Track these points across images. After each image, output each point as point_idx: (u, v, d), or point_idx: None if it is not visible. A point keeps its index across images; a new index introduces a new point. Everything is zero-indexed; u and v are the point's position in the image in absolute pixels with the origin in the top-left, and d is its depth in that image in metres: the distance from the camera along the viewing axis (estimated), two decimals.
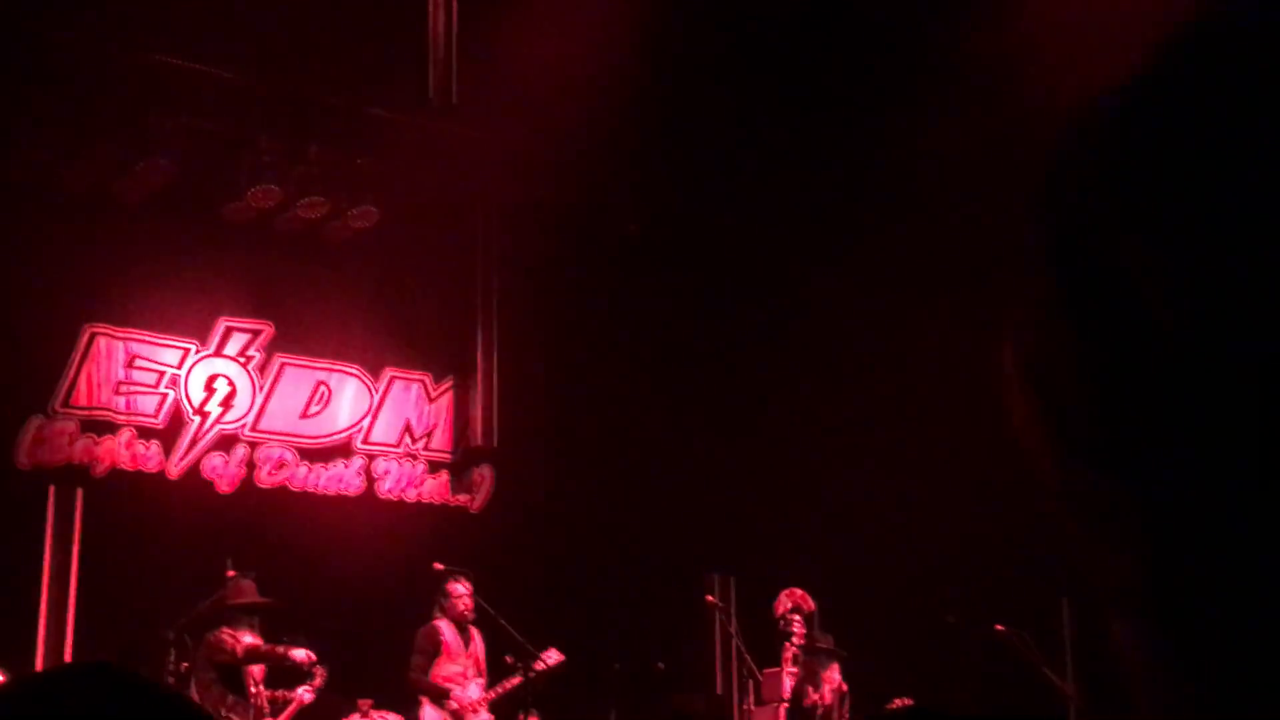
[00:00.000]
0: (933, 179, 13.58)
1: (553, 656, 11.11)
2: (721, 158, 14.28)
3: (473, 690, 10.93)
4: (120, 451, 12.66)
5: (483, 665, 11.05)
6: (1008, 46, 13.02)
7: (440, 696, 10.94)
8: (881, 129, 13.66)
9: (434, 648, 11.02)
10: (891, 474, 13.95)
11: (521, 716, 10.89)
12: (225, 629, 10.04)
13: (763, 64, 13.95)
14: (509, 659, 11.06)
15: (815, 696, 10.82)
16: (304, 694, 10.48)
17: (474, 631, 11.04)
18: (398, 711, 11.48)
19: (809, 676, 10.91)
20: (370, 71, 13.02)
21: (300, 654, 10.23)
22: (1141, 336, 0.73)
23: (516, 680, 11.04)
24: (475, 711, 10.95)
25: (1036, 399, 0.80)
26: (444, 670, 10.98)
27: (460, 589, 11.07)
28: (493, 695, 11.02)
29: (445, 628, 11.03)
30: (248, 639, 10.11)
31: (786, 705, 11.25)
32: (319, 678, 10.54)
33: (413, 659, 11.18)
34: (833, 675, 10.94)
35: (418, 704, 11.15)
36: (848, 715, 10.93)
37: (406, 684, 11.24)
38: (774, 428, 14.32)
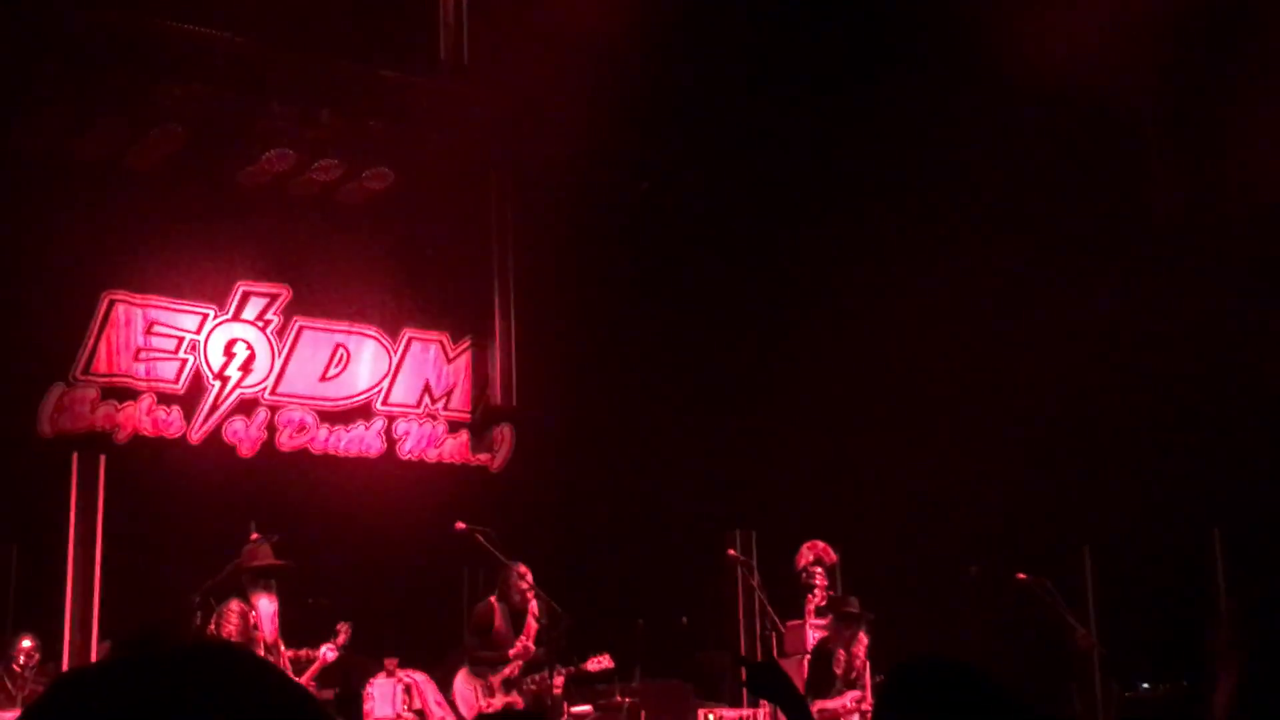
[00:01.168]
0: (950, 144, 13.55)
1: (603, 661, 11.09)
2: (737, 114, 14.25)
3: (508, 670, 10.91)
4: (141, 418, 12.73)
5: (533, 650, 10.97)
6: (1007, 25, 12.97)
7: (481, 671, 10.89)
8: (902, 92, 13.63)
9: (486, 629, 11.01)
10: (911, 426, 13.96)
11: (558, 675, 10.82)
12: (235, 600, 10.07)
13: (775, 22, 13.90)
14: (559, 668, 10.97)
15: (845, 663, 10.76)
16: (327, 652, 10.55)
17: (533, 608, 10.99)
18: (424, 669, 11.55)
19: (840, 642, 10.80)
20: (381, 34, 13.00)
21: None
22: None
23: (560, 675, 11.00)
24: (508, 691, 10.93)
25: None
26: (496, 652, 11.00)
27: (522, 578, 11.01)
28: (533, 683, 10.95)
29: (497, 609, 11.01)
30: (264, 602, 10.13)
31: (809, 658, 11.25)
32: (343, 635, 10.60)
33: (466, 640, 11.22)
34: (861, 637, 10.89)
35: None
36: (869, 673, 10.91)
37: (460, 659, 11.21)
38: (793, 382, 14.32)
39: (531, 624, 10.93)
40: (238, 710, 1.45)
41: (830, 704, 10.54)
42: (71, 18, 11.70)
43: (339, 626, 10.62)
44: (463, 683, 11.06)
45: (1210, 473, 13.44)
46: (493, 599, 11.10)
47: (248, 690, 1.47)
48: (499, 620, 10.98)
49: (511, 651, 10.88)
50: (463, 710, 10.97)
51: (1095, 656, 12.50)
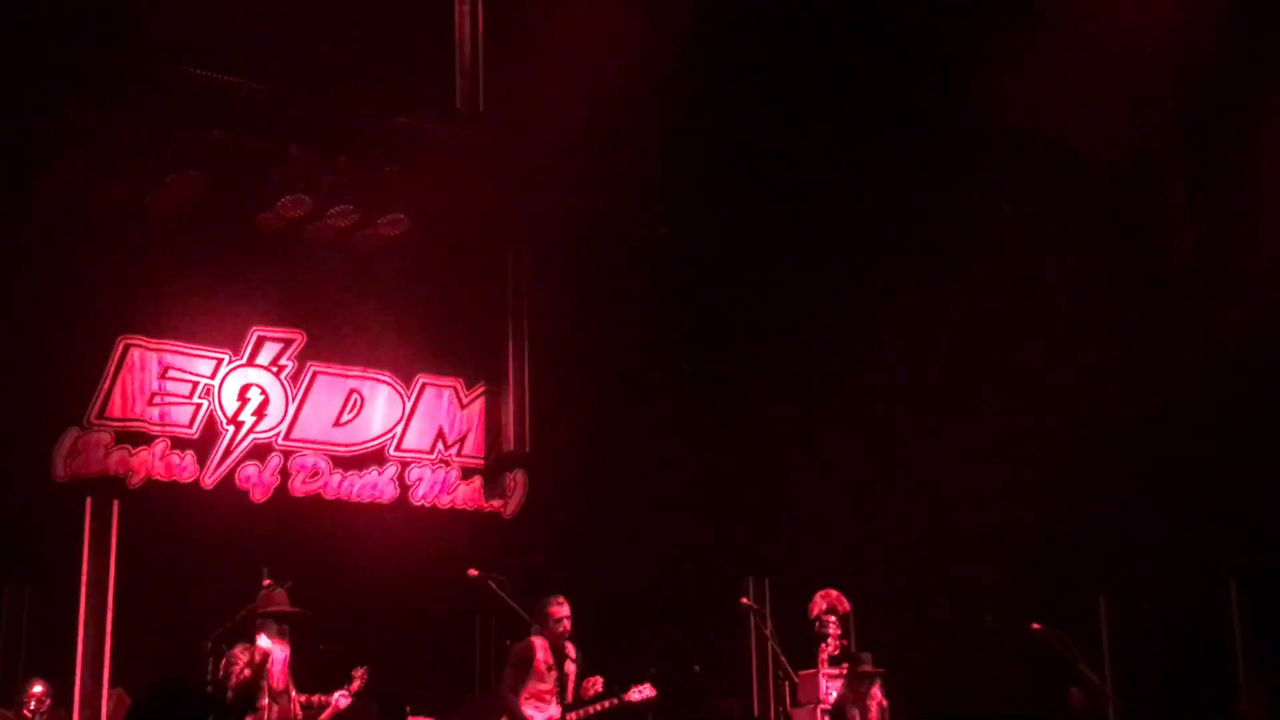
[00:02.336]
0: (969, 183, 13.57)
1: (644, 691, 11.01)
2: (751, 161, 14.28)
3: (553, 709, 10.77)
4: (155, 462, 12.74)
5: (571, 684, 10.86)
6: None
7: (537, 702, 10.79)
8: (914, 124, 13.66)
9: (527, 665, 10.87)
10: (926, 475, 13.92)
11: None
12: (240, 645, 10.00)
13: (790, 66, 13.95)
14: (595, 682, 10.89)
15: (859, 718, 10.75)
16: (339, 699, 10.48)
17: (569, 650, 10.89)
18: (435, 716, 11.48)
19: (854, 700, 10.81)
20: (398, 81, 13.06)
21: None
22: None
23: (602, 706, 10.92)
24: None
25: None
26: (533, 688, 10.87)
27: (559, 604, 10.92)
28: (575, 716, 10.87)
29: (539, 646, 10.87)
30: (273, 647, 10.07)
31: (824, 707, 11.20)
32: (358, 681, 10.54)
33: (505, 673, 11.01)
34: (875, 693, 10.88)
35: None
36: None
37: (495, 697, 11.06)
38: (808, 431, 14.29)
39: (570, 666, 10.78)
40: None
41: None
42: (92, 64, 11.78)
43: (355, 672, 10.55)
44: None
45: (1226, 523, 13.39)
46: (534, 638, 10.94)
47: None
48: (539, 655, 10.83)
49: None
50: None
51: (1111, 709, 12.42)
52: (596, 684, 10.86)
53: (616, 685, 10.91)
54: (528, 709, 10.65)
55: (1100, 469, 13.87)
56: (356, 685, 10.55)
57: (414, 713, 11.24)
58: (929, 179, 13.76)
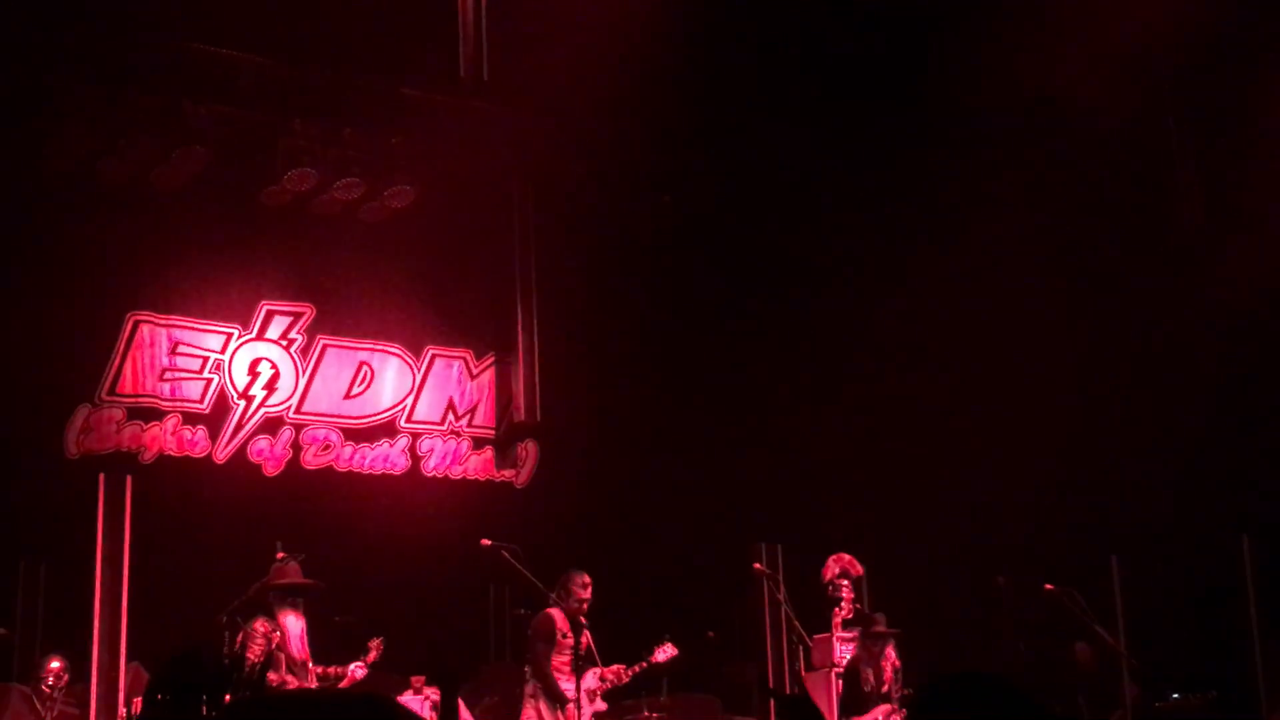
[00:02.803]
0: (972, 154, 13.53)
1: (668, 650, 11.11)
2: (760, 125, 14.24)
3: (589, 680, 10.87)
4: (167, 438, 12.77)
5: (595, 655, 10.97)
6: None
7: (558, 698, 10.86)
8: (917, 92, 13.61)
9: (551, 636, 10.96)
10: (938, 438, 13.92)
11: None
12: (261, 620, 10.04)
13: (797, 32, 13.90)
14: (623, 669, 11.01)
15: (874, 681, 10.83)
16: (356, 670, 10.53)
17: (584, 622, 10.97)
18: (449, 685, 11.52)
19: (868, 660, 10.89)
20: (401, 52, 13.03)
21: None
22: None
23: (633, 670, 11.03)
24: (592, 700, 10.91)
25: None
26: (555, 660, 10.96)
27: (584, 584, 11.01)
28: (606, 686, 10.98)
29: (559, 617, 10.97)
30: (291, 620, 10.11)
31: (839, 670, 11.25)
32: (374, 652, 10.59)
33: (536, 646, 11.05)
34: (889, 653, 10.94)
35: (531, 690, 11.02)
36: (901, 687, 10.93)
37: (532, 668, 11.13)
38: (820, 396, 14.29)
39: (587, 635, 10.86)
40: None
41: (863, 719, 10.70)
42: (96, 39, 11.76)
43: (371, 643, 10.60)
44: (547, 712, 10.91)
45: (1238, 481, 13.38)
46: (552, 609, 11.01)
47: None
48: (564, 625, 10.93)
49: (594, 687, 10.82)
50: None
51: (1124, 667, 12.45)
52: (668, 649, 11.03)
53: (642, 650, 11.00)
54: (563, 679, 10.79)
55: (1112, 428, 13.87)
56: (373, 656, 10.60)
57: (429, 682, 11.28)
58: (935, 147, 13.72)
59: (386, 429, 13.86)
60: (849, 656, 11.24)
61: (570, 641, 10.82)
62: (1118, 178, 14.03)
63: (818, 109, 14.12)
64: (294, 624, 10.13)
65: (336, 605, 10.95)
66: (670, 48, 13.00)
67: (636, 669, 11.12)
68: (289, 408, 13.40)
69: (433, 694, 11.22)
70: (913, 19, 13.66)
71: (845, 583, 11.68)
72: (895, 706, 10.78)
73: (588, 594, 10.97)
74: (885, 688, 10.84)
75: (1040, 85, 13.08)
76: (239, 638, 9.99)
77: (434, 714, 11.20)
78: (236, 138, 12.56)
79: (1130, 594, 13.62)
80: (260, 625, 9.99)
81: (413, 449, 13.93)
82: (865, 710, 10.75)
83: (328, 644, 10.63)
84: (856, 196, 14.33)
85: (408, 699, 11.17)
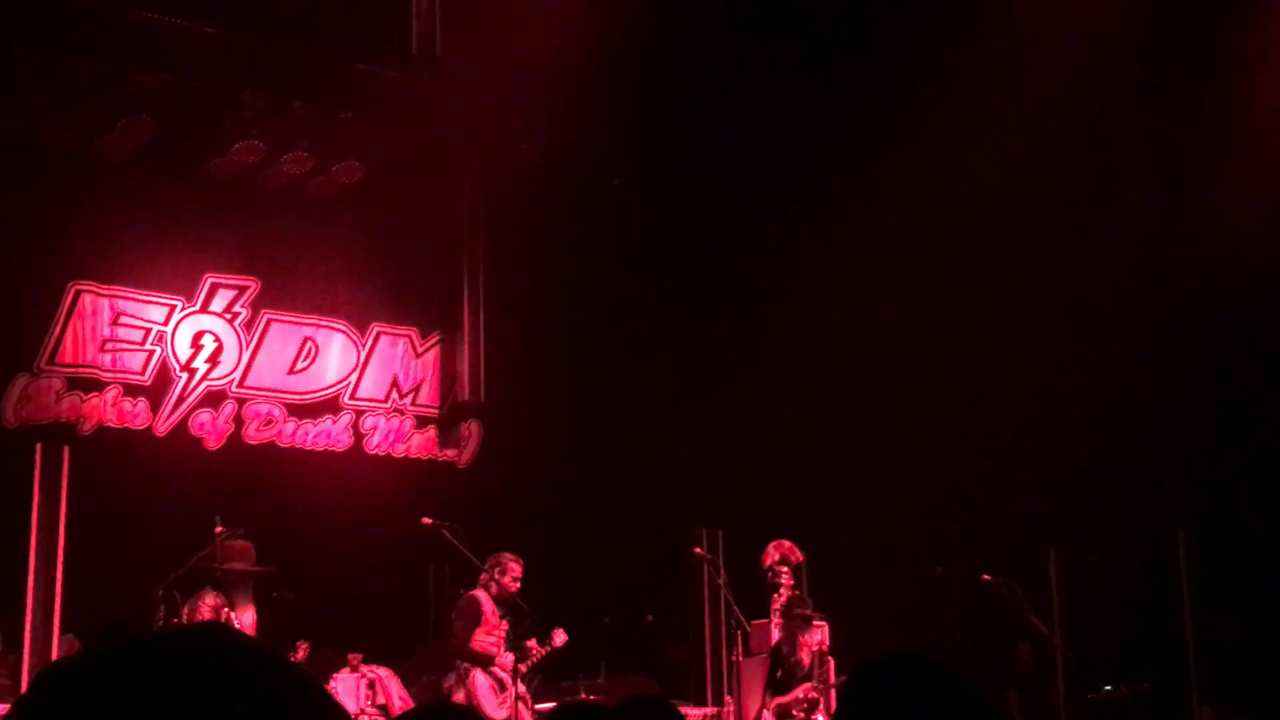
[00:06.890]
0: (929, 137, 13.59)
1: (560, 638, 11.18)
2: (705, 112, 14.25)
3: (507, 659, 10.90)
4: (107, 409, 12.66)
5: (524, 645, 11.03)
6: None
7: (485, 662, 10.88)
8: (879, 83, 13.66)
9: (477, 616, 10.98)
10: (879, 425, 13.98)
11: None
12: (210, 594, 9.99)
13: (746, 19, 13.91)
14: (531, 644, 11.06)
15: (793, 660, 11.01)
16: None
17: (523, 605, 11.01)
18: (388, 664, 11.52)
19: (787, 639, 11.09)
20: (354, 26, 12.95)
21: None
22: None
23: (543, 653, 11.09)
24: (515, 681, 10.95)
25: None
26: (481, 640, 10.97)
27: (518, 569, 11.04)
28: (525, 668, 11.02)
29: (485, 599, 11.00)
30: (248, 616, 10.07)
31: (767, 660, 11.36)
32: (301, 652, 10.44)
33: (455, 625, 11.08)
34: (810, 638, 11.07)
35: (456, 669, 11.03)
36: (831, 673, 11.03)
37: (448, 650, 11.15)
38: (760, 381, 14.33)
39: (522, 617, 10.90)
40: (234, 690, 1.42)
41: (784, 699, 10.93)
42: (40, 3, 11.62)
43: (299, 644, 10.48)
44: (485, 682, 10.93)
45: (1174, 475, 13.52)
46: (477, 591, 11.04)
47: (243, 668, 1.43)
48: (486, 607, 10.96)
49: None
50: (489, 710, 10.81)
51: (1058, 658, 12.56)
52: (560, 634, 11.05)
53: (538, 640, 11.07)
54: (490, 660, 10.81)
55: (1050, 419, 13.97)
56: (301, 656, 10.46)
57: (366, 660, 11.25)
58: (885, 128, 13.76)
59: (330, 405, 13.79)
60: None
61: (500, 623, 10.89)
62: (1061, 155, 14.11)
63: (769, 93, 14.14)
64: (248, 618, 10.09)
65: (274, 581, 10.90)
66: (623, 29, 12.99)
67: (545, 650, 11.14)
68: (231, 381, 13.30)
69: (369, 671, 11.19)
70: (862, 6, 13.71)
71: (785, 569, 11.74)
72: (817, 684, 10.91)
73: (519, 572, 11.00)
74: (804, 670, 11.00)
75: (984, 62, 13.15)
76: (184, 611, 9.93)
77: (369, 693, 11.18)
78: (184, 107, 12.44)
79: (1067, 586, 13.75)
80: (209, 599, 9.94)
81: (356, 426, 13.86)
82: (788, 690, 10.88)
83: (263, 619, 10.59)
84: (807, 184, 14.36)
85: (344, 676, 11.14)
